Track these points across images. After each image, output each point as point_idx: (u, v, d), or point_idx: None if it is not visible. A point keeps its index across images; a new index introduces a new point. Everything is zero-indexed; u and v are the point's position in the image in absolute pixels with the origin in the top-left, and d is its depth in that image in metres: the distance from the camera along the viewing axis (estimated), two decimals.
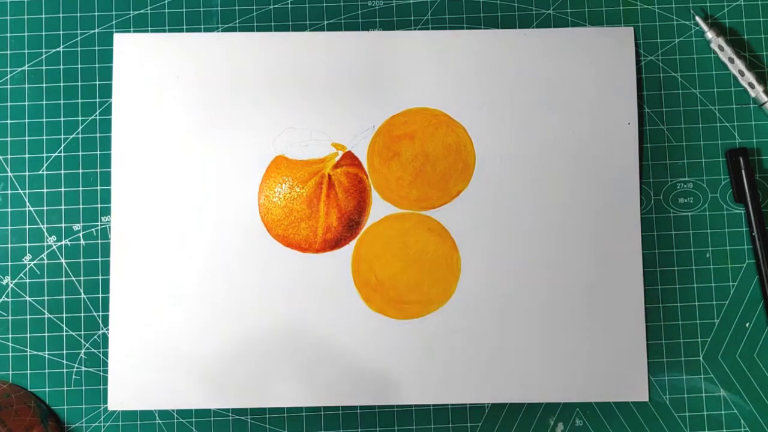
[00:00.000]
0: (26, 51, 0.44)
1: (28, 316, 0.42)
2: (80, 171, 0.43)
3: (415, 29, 0.44)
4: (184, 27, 0.44)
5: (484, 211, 0.43)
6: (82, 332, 0.42)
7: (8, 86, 0.43)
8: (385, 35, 0.43)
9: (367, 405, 0.42)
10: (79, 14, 0.44)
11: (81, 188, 0.43)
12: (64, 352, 0.42)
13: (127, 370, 0.42)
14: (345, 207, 0.43)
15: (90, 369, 0.42)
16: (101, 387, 0.42)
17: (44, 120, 0.43)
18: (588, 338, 0.42)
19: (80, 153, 0.43)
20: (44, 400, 0.42)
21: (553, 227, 0.42)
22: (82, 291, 0.43)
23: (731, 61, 0.43)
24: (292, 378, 0.42)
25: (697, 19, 0.43)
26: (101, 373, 0.42)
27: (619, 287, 0.42)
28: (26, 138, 0.43)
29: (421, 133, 0.43)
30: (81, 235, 0.43)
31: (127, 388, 0.42)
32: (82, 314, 0.42)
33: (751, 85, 0.43)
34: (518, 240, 0.42)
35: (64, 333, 0.42)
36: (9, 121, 0.43)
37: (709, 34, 0.43)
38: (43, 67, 0.43)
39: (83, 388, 0.42)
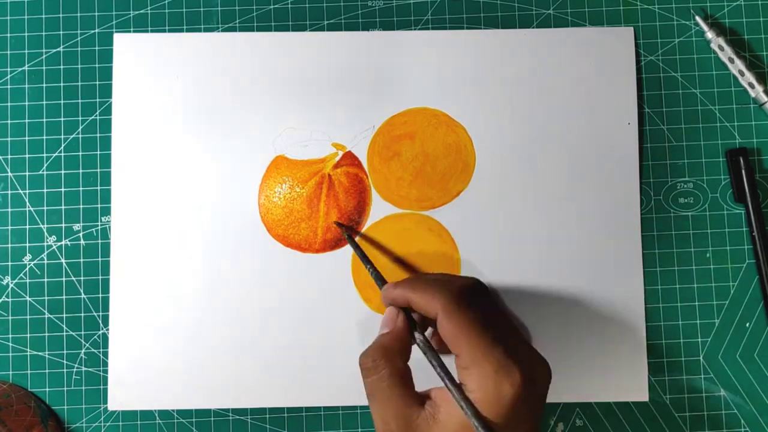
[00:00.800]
0: (26, 51, 0.44)
1: (28, 316, 0.42)
2: (80, 171, 0.43)
3: (415, 29, 0.44)
4: (184, 27, 0.44)
5: (484, 211, 0.43)
6: (82, 332, 0.42)
7: (8, 86, 0.43)
8: (385, 35, 0.43)
9: (367, 405, 0.42)
10: (79, 14, 0.44)
11: (81, 188, 0.43)
12: (64, 352, 0.42)
13: (127, 370, 0.42)
14: (345, 207, 0.43)
15: (90, 369, 0.42)
16: (101, 387, 0.42)
17: (44, 120, 0.43)
18: (588, 338, 0.42)
19: (80, 153, 0.43)
20: (44, 400, 0.42)
21: (552, 227, 0.42)
22: (82, 291, 0.43)
23: (731, 61, 0.43)
24: (292, 378, 0.42)
25: (697, 19, 0.43)
26: (101, 373, 0.42)
27: (619, 287, 0.42)
28: (26, 138, 0.43)
29: (421, 133, 0.43)
30: (81, 235, 0.43)
31: (127, 388, 0.42)
32: (82, 314, 0.42)
33: (751, 85, 0.43)
34: (518, 240, 0.42)
35: (64, 333, 0.42)
36: (9, 121, 0.43)
37: (709, 34, 0.43)
38: (43, 67, 0.43)
39: (83, 388, 0.42)
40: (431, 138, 0.43)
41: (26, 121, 0.43)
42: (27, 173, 0.43)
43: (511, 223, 0.42)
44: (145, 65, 0.43)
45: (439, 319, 0.32)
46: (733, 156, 0.43)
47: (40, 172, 0.43)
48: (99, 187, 0.43)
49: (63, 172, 0.43)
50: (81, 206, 0.43)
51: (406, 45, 0.43)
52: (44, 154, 0.43)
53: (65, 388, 0.42)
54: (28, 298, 0.42)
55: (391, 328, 0.34)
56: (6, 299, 0.42)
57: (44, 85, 0.43)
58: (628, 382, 0.42)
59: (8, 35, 0.44)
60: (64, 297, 0.42)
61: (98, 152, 0.43)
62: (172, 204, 0.43)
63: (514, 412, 0.30)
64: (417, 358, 0.34)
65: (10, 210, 0.43)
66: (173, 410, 0.42)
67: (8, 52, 0.44)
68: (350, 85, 0.43)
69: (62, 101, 0.43)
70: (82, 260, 0.43)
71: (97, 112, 0.43)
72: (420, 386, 0.33)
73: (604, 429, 0.42)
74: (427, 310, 0.32)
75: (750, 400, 0.42)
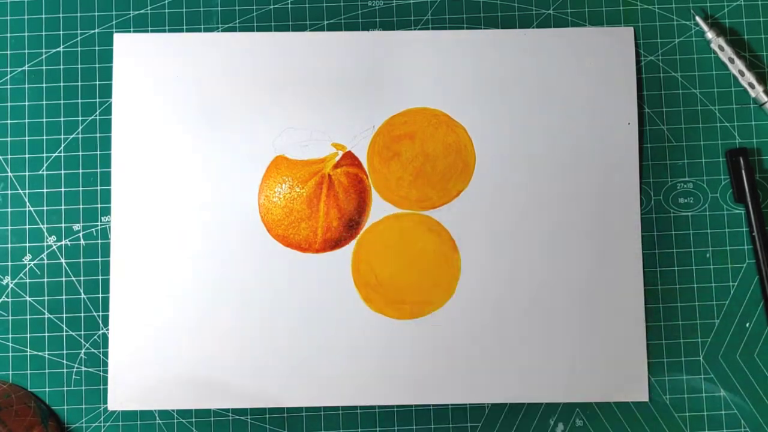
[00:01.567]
0: (26, 51, 0.44)
1: (28, 316, 0.42)
2: (80, 171, 0.43)
3: (415, 29, 0.44)
4: (184, 27, 0.44)
5: (484, 211, 0.43)
6: (82, 332, 0.42)
7: (8, 86, 0.43)
8: (385, 35, 0.43)
9: (368, 405, 0.42)
10: (79, 14, 0.44)
11: (81, 188, 0.43)
12: (64, 352, 0.42)
13: (127, 370, 0.42)
14: (345, 207, 0.43)
15: (90, 369, 0.42)
16: (101, 387, 0.42)
17: (44, 120, 0.43)
18: (588, 338, 0.42)
19: (80, 153, 0.43)
20: (44, 400, 0.42)
21: (553, 227, 0.42)
22: (82, 291, 0.43)
23: (731, 61, 0.43)
24: (292, 378, 0.42)
25: (697, 19, 0.43)
26: (101, 373, 0.42)
27: (619, 287, 0.42)
28: (26, 138, 0.43)
29: (421, 133, 0.43)
30: (81, 235, 0.43)
31: (127, 388, 0.42)
32: (82, 314, 0.42)
33: (751, 85, 0.43)
34: (518, 240, 0.42)
35: (64, 333, 0.42)
36: (9, 121, 0.43)
37: (709, 34, 0.43)
38: (43, 67, 0.43)
39: (83, 388, 0.42)
40: (431, 138, 0.43)
41: (26, 121, 0.43)
42: (27, 173, 0.43)
43: (510, 223, 0.42)
44: (145, 65, 0.43)
45: None
46: (733, 156, 0.43)
47: (40, 172, 0.43)
48: (99, 187, 0.43)
49: (63, 172, 0.43)
50: (81, 206, 0.43)
51: (406, 45, 0.43)
52: (44, 154, 0.43)
53: (65, 388, 0.42)
54: (28, 298, 0.42)
55: None
56: (6, 299, 0.42)
57: (44, 85, 0.43)
58: (628, 382, 0.42)
59: (8, 35, 0.44)
60: (64, 297, 0.42)
61: (98, 152, 0.43)
62: (172, 204, 0.43)
63: None
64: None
65: (10, 210, 0.43)
66: (173, 410, 0.42)
67: (8, 52, 0.44)
68: (350, 85, 0.43)
69: (62, 101, 0.43)
70: (82, 260, 0.43)
71: (97, 112, 0.43)
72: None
73: (604, 429, 0.42)
74: None
75: (750, 400, 0.42)
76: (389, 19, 0.44)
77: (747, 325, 0.43)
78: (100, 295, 0.42)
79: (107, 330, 0.42)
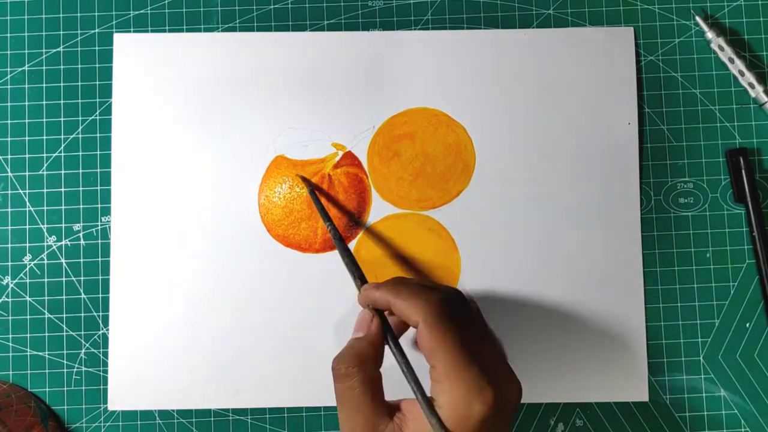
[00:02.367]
0: (26, 51, 0.44)
1: (28, 316, 0.42)
2: (80, 171, 0.43)
3: (415, 29, 0.44)
4: (184, 27, 0.44)
5: (484, 211, 0.43)
6: (82, 332, 0.42)
7: (8, 86, 0.43)
8: (385, 35, 0.43)
9: None
10: (79, 14, 0.44)
11: (81, 188, 0.43)
12: (64, 352, 0.42)
13: (127, 370, 0.42)
14: (345, 207, 0.43)
15: (90, 369, 0.42)
16: (101, 387, 0.42)
17: (44, 120, 0.43)
18: (588, 338, 0.42)
19: (80, 153, 0.43)
20: (44, 400, 0.42)
21: (552, 227, 0.42)
22: (82, 291, 0.43)
23: (731, 61, 0.43)
24: (292, 378, 0.42)
25: (697, 19, 0.43)
26: (101, 373, 0.42)
27: (619, 287, 0.42)
28: (26, 138, 0.43)
29: (421, 133, 0.43)
30: (81, 235, 0.43)
31: (127, 388, 0.42)
32: (82, 314, 0.42)
33: (752, 85, 0.43)
34: (518, 240, 0.42)
35: (64, 333, 0.42)
36: (9, 121, 0.43)
37: (709, 34, 0.43)
38: (43, 67, 0.43)
39: (83, 388, 0.42)
40: (431, 138, 0.43)
41: (26, 121, 0.43)
42: (27, 173, 0.43)
43: (511, 223, 0.42)
44: (145, 65, 0.43)
45: (420, 329, 0.31)
46: (733, 156, 0.43)
47: (40, 172, 0.43)
48: (99, 187, 0.43)
49: (63, 172, 0.43)
50: (81, 206, 0.43)
51: (406, 45, 0.43)
52: (44, 154, 0.43)
53: (65, 388, 0.42)
54: (28, 298, 0.42)
55: (366, 333, 0.34)
56: (6, 299, 0.42)
57: (44, 85, 0.43)
58: (628, 382, 0.42)
59: (8, 35, 0.44)
60: (64, 297, 0.42)
61: (98, 152, 0.43)
62: (172, 204, 0.43)
63: (484, 430, 0.30)
64: (390, 366, 0.33)
65: (10, 210, 0.43)
66: (173, 410, 0.42)
67: (8, 52, 0.44)
68: (350, 85, 0.43)
69: (62, 101, 0.43)
70: (82, 260, 0.43)
71: (97, 112, 0.43)
72: (390, 390, 0.33)
73: (604, 429, 0.42)
74: (408, 317, 0.32)
75: (750, 400, 0.42)
76: (389, 19, 0.44)
77: (747, 325, 0.43)
78: (100, 295, 0.42)
79: (107, 330, 0.42)
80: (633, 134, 0.43)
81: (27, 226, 0.43)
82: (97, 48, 0.44)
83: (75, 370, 0.42)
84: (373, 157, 0.43)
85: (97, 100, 0.43)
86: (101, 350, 0.42)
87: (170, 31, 0.44)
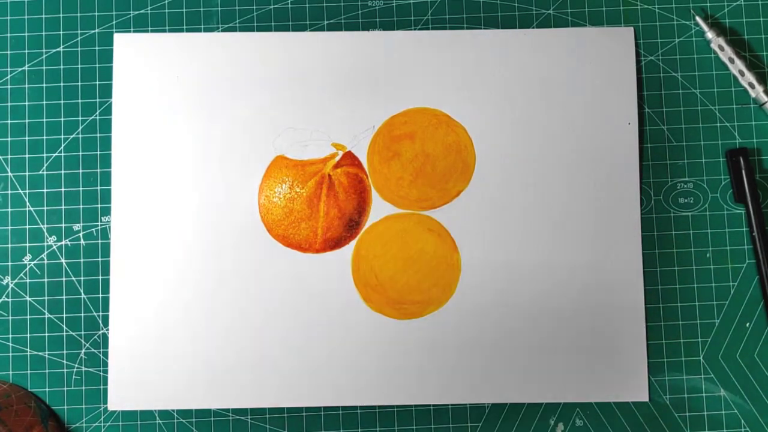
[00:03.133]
0: (26, 51, 0.44)
1: (28, 316, 0.42)
2: (80, 171, 0.43)
3: (415, 29, 0.44)
4: (184, 27, 0.44)
5: (484, 211, 0.43)
6: (82, 332, 0.42)
7: (8, 86, 0.43)
8: (385, 35, 0.43)
9: (367, 405, 0.42)
10: (79, 14, 0.44)
11: (81, 188, 0.43)
12: (64, 352, 0.42)
13: (127, 370, 0.42)
14: (345, 207, 0.43)
15: (90, 369, 0.42)
16: (101, 387, 0.42)
17: (44, 120, 0.43)
18: (588, 338, 0.42)
19: (80, 153, 0.43)
20: (44, 400, 0.42)
21: (553, 227, 0.42)
22: (82, 291, 0.43)
23: (731, 61, 0.43)
24: (292, 378, 0.42)
25: (697, 19, 0.43)
26: (101, 373, 0.42)
27: (619, 287, 0.42)
28: (26, 138, 0.43)
29: (421, 133, 0.43)
30: (81, 235, 0.43)
31: (127, 388, 0.42)
32: (82, 314, 0.42)
33: (752, 85, 0.43)
34: (518, 240, 0.42)
35: (64, 333, 0.42)
36: (9, 121, 0.43)
37: (710, 34, 0.43)
38: (43, 67, 0.43)
39: (83, 388, 0.42)
40: (431, 138, 0.43)
41: (26, 121, 0.43)
42: (27, 173, 0.43)
43: (511, 223, 0.42)
44: (145, 65, 0.43)
45: None
46: (733, 156, 0.43)
47: (40, 172, 0.43)
48: (99, 187, 0.43)
49: (63, 172, 0.43)
50: (81, 206, 0.43)
51: (406, 45, 0.43)
52: (44, 154, 0.43)
53: (65, 388, 0.42)
54: (28, 298, 0.42)
55: None
56: (6, 299, 0.42)
57: (44, 85, 0.43)
58: (628, 382, 0.42)
59: (8, 35, 0.44)
60: (64, 297, 0.42)
61: (98, 152, 0.43)
62: (172, 204, 0.43)
63: None
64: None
65: (10, 210, 0.43)
66: (173, 410, 0.42)
67: (8, 52, 0.44)
68: (350, 85, 0.43)
69: (62, 101, 0.43)
70: (82, 260, 0.43)
71: (97, 112, 0.43)
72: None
73: (604, 429, 0.42)
74: None
75: (750, 400, 0.42)
76: (389, 19, 0.44)
77: (747, 325, 0.43)
78: (100, 295, 0.42)
79: (107, 330, 0.42)
80: (633, 134, 0.43)
81: (27, 226, 0.43)
82: (97, 48, 0.44)
83: (75, 370, 0.42)
84: (373, 157, 0.43)
85: (97, 100, 0.43)
86: (101, 350, 0.42)
87: (170, 31, 0.44)
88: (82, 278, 0.43)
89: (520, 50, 0.43)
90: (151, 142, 0.43)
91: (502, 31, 0.43)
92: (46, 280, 0.43)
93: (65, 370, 0.42)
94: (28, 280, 0.43)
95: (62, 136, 0.43)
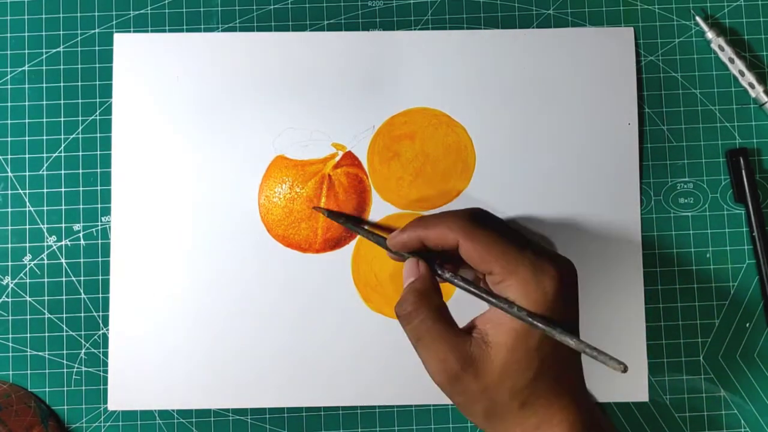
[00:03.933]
0: (26, 51, 0.44)
1: (28, 316, 0.42)
2: (80, 171, 0.43)
3: (415, 29, 0.44)
4: (184, 27, 0.44)
5: None
6: (82, 332, 0.42)
7: (8, 86, 0.43)
8: (385, 35, 0.43)
9: (367, 405, 0.42)
10: (79, 14, 0.44)
11: (81, 188, 0.43)
12: (64, 352, 0.42)
13: (127, 370, 0.42)
14: (345, 207, 0.43)
15: (90, 369, 0.42)
16: (101, 387, 0.42)
17: (44, 120, 0.43)
18: (588, 338, 0.42)
19: (80, 153, 0.43)
20: (44, 400, 0.42)
21: (553, 227, 0.42)
22: (82, 291, 0.43)
23: (731, 61, 0.43)
24: (292, 378, 0.42)
25: (698, 19, 0.43)
26: (101, 373, 0.42)
27: (619, 287, 0.42)
28: (26, 138, 0.43)
29: (421, 133, 0.43)
30: (81, 235, 0.43)
31: (127, 388, 0.42)
32: (82, 314, 0.42)
33: (752, 86, 0.43)
34: None
35: (64, 333, 0.42)
36: (9, 121, 0.43)
37: (710, 35, 0.43)
38: (43, 67, 0.43)
39: (83, 388, 0.42)
40: (431, 138, 0.43)
41: (26, 121, 0.43)
42: (27, 173, 0.43)
43: (510, 223, 0.42)
44: (145, 65, 0.43)
45: (462, 243, 0.32)
46: (733, 156, 0.43)
47: (40, 172, 0.43)
48: (99, 187, 0.43)
49: (63, 172, 0.43)
50: (81, 206, 0.43)
51: (406, 45, 0.43)
52: (44, 154, 0.43)
53: (65, 388, 0.42)
54: (28, 298, 0.42)
55: (417, 275, 0.35)
56: (6, 299, 0.42)
57: (44, 85, 0.43)
58: (628, 382, 0.42)
59: (8, 35, 0.44)
60: (64, 297, 0.42)
61: (98, 152, 0.43)
62: (172, 204, 0.43)
63: (560, 304, 0.31)
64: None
65: (10, 210, 0.43)
66: (173, 410, 0.42)
67: (8, 52, 0.44)
68: (350, 85, 0.43)
69: (62, 101, 0.43)
70: (82, 260, 0.43)
71: (97, 112, 0.43)
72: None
73: None
74: (445, 240, 0.33)
75: (750, 400, 0.42)
76: (389, 19, 0.44)
77: (747, 325, 0.43)
78: (100, 295, 0.42)
79: (107, 330, 0.42)
80: (633, 134, 0.43)
81: (27, 226, 0.43)
82: (97, 48, 0.44)
83: (75, 370, 0.42)
84: (373, 157, 0.43)
85: (97, 100, 0.43)
86: (101, 350, 0.42)
87: (170, 31, 0.44)
88: (82, 278, 0.43)
89: (521, 50, 0.43)
90: (151, 142, 0.43)
91: (502, 31, 0.43)
92: (46, 280, 0.43)
93: (65, 370, 0.42)
94: (28, 280, 0.43)
95: (62, 136, 0.43)
